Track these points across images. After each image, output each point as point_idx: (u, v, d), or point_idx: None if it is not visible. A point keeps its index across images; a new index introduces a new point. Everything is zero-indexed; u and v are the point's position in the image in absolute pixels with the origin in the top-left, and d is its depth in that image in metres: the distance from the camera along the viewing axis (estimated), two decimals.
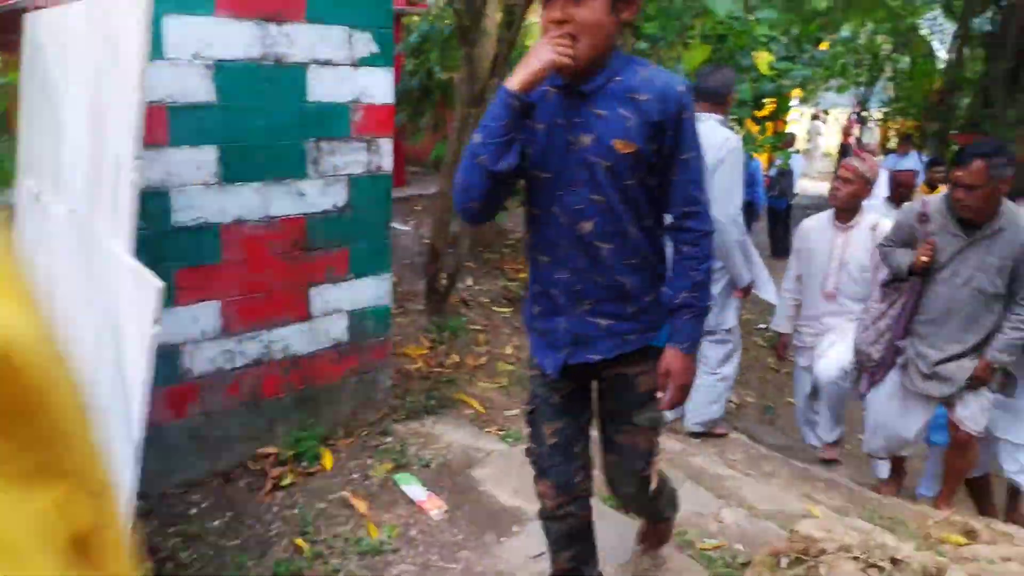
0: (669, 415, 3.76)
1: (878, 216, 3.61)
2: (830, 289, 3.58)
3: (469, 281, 5.55)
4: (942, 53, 14.47)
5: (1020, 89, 10.38)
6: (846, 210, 3.56)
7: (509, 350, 4.54)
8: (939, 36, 15.44)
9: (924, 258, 2.96)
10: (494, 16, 5.42)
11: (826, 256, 3.59)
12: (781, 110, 7.49)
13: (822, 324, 3.63)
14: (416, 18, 9.49)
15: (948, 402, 3.05)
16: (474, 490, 2.62)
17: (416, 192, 8.39)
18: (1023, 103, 10.23)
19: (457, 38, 5.18)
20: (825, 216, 3.69)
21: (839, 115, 19.42)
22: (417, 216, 7.45)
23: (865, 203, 3.64)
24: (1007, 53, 10.52)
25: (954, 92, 11.92)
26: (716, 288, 3.34)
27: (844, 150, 16.99)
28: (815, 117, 20.35)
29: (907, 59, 15.33)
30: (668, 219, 1.71)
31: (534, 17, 5.10)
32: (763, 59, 5.31)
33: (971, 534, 2.13)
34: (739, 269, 3.35)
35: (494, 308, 5.23)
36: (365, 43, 2.80)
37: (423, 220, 6.88)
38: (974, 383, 2.97)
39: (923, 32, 15.59)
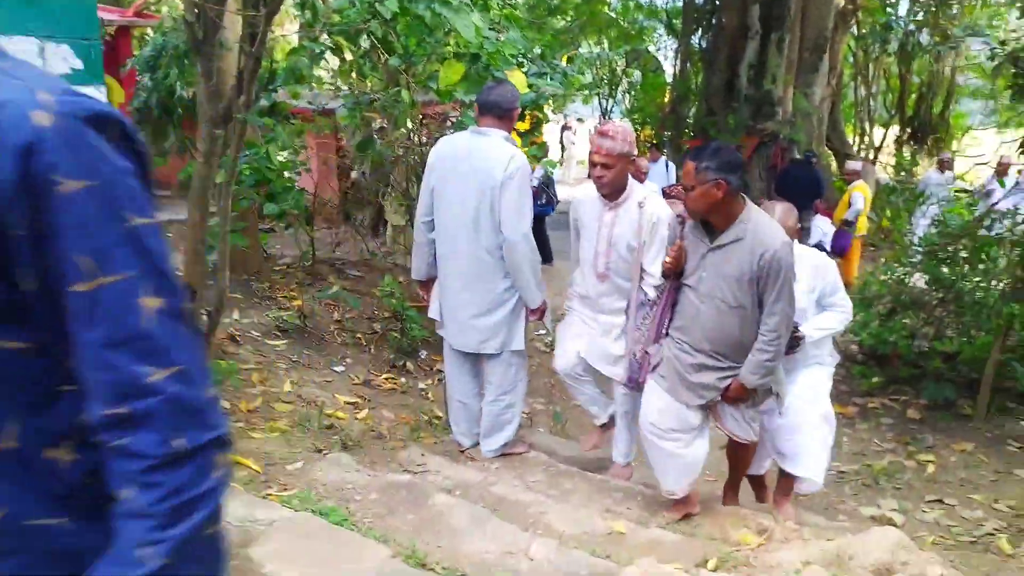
0: (466, 441, 3.61)
1: (647, 191, 3.42)
2: (602, 269, 3.37)
3: (236, 314, 5.01)
4: (669, 67, 16.06)
5: (735, 98, 11.74)
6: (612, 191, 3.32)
7: (288, 387, 4.13)
8: (664, 53, 17.17)
9: (667, 260, 2.91)
10: (235, 28, 4.95)
11: (595, 234, 3.38)
12: (539, 123, 7.74)
13: (598, 306, 3.47)
14: (151, 31, 8.54)
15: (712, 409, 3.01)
16: (254, 573, 2.25)
17: (167, 217, 7.51)
18: (739, 111, 11.60)
19: (192, 52, 4.65)
20: (595, 191, 3.43)
21: (587, 125, 20.86)
22: (170, 244, 6.64)
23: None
24: (720, 67, 11.87)
25: (682, 103, 13.21)
26: (506, 308, 3.23)
27: None
28: (566, 128, 21.67)
29: (639, 73, 16.82)
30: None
31: (279, 30, 4.72)
32: (518, 77, 5.38)
33: (764, 532, 2.21)
34: (531, 289, 3.22)
35: (267, 342, 4.76)
36: (64, 57, 2.31)
37: (177, 248, 6.16)
38: (729, 402, 2.94)
39: (651, 49, 17.24)
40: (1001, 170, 9.32)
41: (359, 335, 5.36)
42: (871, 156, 15.60)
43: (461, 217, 3.10)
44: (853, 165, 8.87)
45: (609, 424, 3.75)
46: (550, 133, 22.36)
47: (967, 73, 16.41)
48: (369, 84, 6.40)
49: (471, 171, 3.06)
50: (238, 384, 3.90)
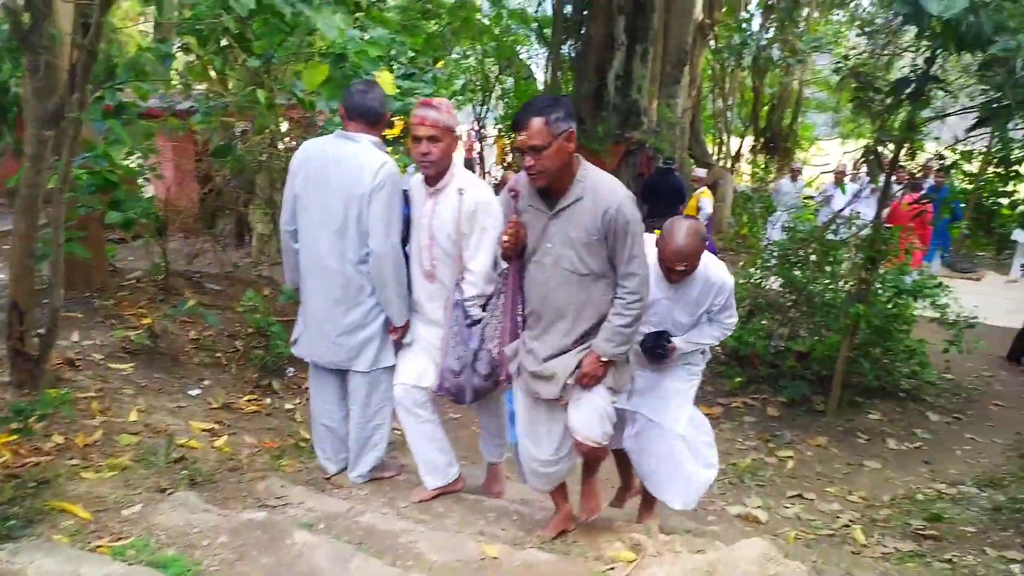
0: (332, 467, 3.39)
1: (469, 177, 3.01)
2: (428, 266, 3.00)
3: (76, 336, 4.54)
4: (540, 75, 16.28)
5: (603, 107, 12.04)
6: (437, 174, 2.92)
7: (133, 416, 3.75)
8: (536, 61, 17.39)
9: (506, 239, 2.63)
10: (68, 18, 4.48)
11: (418, 226, 3.00)
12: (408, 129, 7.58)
13: (425, 315, 3.07)
14: None
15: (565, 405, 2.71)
16: None
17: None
18: (607, 120, 11.90)
19: (17, 44, 4.16)
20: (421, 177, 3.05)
21: (461, 132, 20.83)
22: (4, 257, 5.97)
23: None
24: (589, 77, 12.14)
25: None
26: (376, 324, 3.06)
27: (469, 164, 18.25)
28: None
29: (511, 80, 16.93)
30: None
31: (118, 21, 4.32)
32: (386, 79, 5.20)
33: (638, 548, 2.18)
34: (395, 305, 3.01)
35: (111, 366, 4.32)
36: None
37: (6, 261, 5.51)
38: (585, 380, 2.63)
39: (523, 56, 17.41)
40: (839, 178, 10.06)
41: (219, 354, 5.00)
42: (729, 165, 16.49)
43: (326, 227, 2.89)
44: (699, 172, 9.30)
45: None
46: None
47: (813, 87, 17.68)
48: (231, 84, 6.02)
49: (337, 178, 2.86)
50: (74, 415, 3.50)
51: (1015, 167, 9.07)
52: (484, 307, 2.93)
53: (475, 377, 2.95)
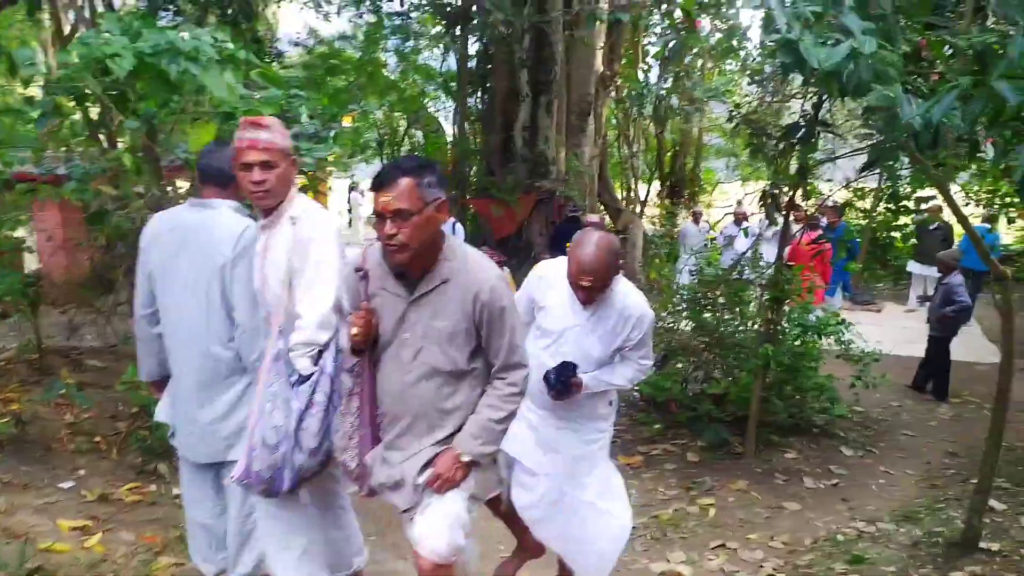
0: (210, 570, 2.98)
1: (305, 204, 2.50)
2: (264, 313, 2.50)
3: None
4: (449, 128, 16.35)
5: (512, 158, 12.12)
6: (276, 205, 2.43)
7: None
8: (444, 113, 17.49)
9: (355, 331, 2.17)
10: None
11: (252, 270, 2.49)
12: (313, 186, 7.35)
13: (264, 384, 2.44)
14: None
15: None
16: None
17: None
18: (516, 170, 11.97)
19: None
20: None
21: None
22: None
23: None
24: (497, 128, 12.23)
25: (463, 163, 13.43)
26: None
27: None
28: (352, 189, 21.32)
29: (421, 133, 16.97)
30: None
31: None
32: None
33: None
34: None
35: None
36: None
37: None
38: (439, 484, 2.16)
39: (431, 110, 17.50)
40: (738, 219, 10.35)
41: (98, 438, 4.57)
42: (638, 210, 16.85)
43: (187, 306, 2.59)
44: (592, 218, 9.40)
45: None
46: (337, 193, 21.89)
47: (712, 133, 18.41)
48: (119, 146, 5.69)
49: (196, 250, 2.58)
50: None
51: (904, 203, 9.61)
52: (317, 361, 2.38)
53: (298, 452, 2.33)
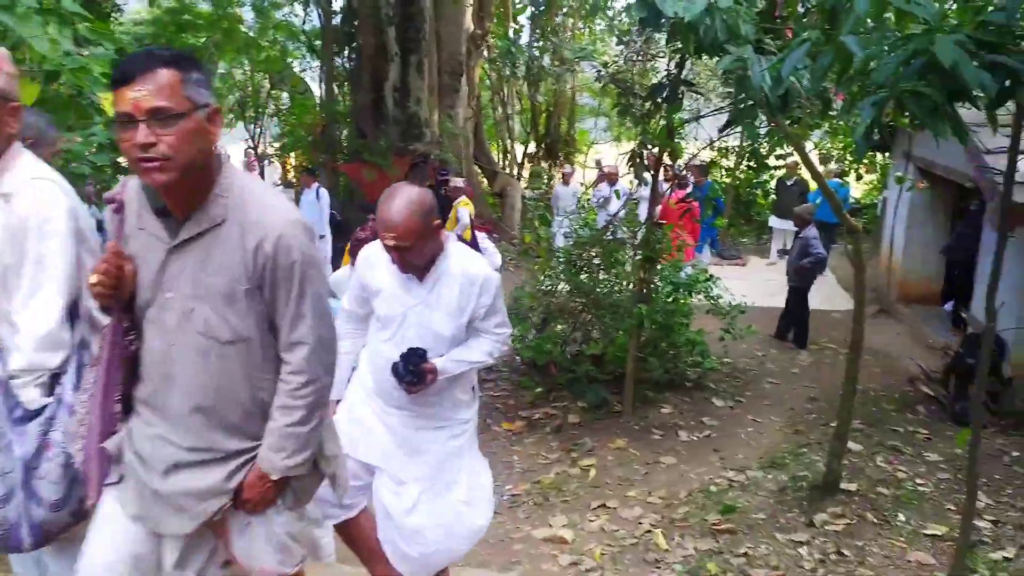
0: None
1: (28, 173, 1.88)
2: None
3: None
4: (317, 88, 15.58)
5: (383, 120, 11.69)
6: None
7: None
8: (311, 73, 16.65)
9: (94, 281, 1.58)
10: None
11: None
12: None
13: None
14: None
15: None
16: None
17: None
18: (388, 132, 11.56)
19: None
20: None
21: (238, 152, 19.51)
22: None
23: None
24: (366, 89, 11.74)
25: (332, 126, 12.83)
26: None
27: None
28: None
29: (286, 95, 16.09)
30: None
31: None
32: (109, 99, 4.49)
33: None
34: None
35: None
36: None
37: None
38: (250, 508, 1.72)
39: (297, 70, 16.60)
40: (611, 180, 10.46)
41: None
42: (515, 172, 16.82)
43: None
44: (457, 182, 9.27)
45: None
46: None
47: (585, 93, 18.55)
48: None
49: None
50: None
51: (764, 160, 10.00)
52: (51, 389, 1.84)
53: (36, 507, 1.80)
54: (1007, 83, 2.49)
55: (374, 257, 2.49)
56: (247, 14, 15.44)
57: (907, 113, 2.66)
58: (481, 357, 2.50)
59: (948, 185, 7.77)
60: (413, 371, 2.34)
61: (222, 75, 16.10)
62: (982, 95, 2.54)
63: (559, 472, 5.02)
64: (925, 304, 8.35)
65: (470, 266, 2.42)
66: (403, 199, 2.26)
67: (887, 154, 9.90)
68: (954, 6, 2.73)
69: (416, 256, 2.33)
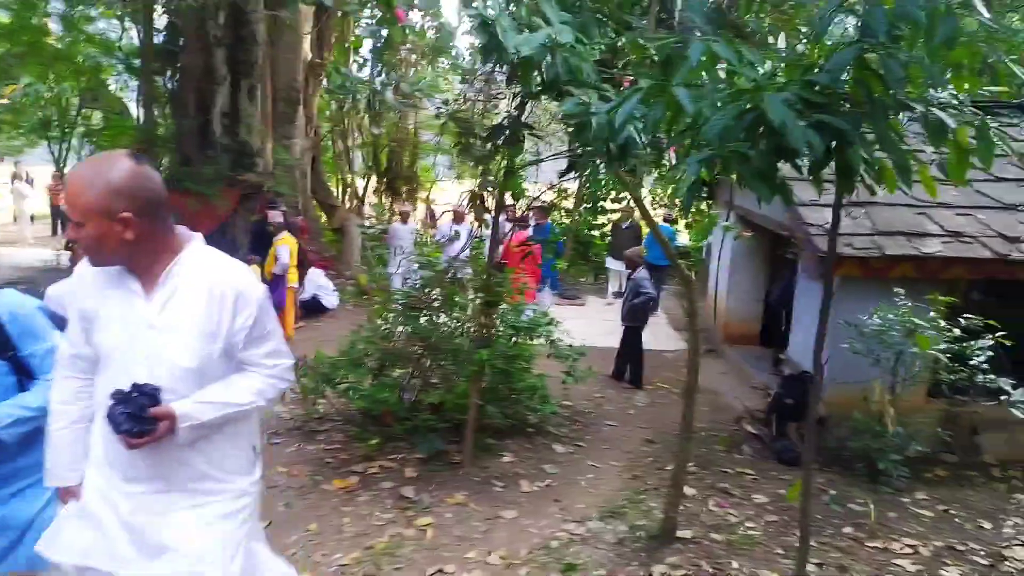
0: None
1: None
2: None
3: None
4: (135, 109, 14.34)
5: (210, 146, 10.88)
6: None
7: None
8: (130, 93, 15.32)
9: None
10: None
11: None
12: None
13: None
14: None
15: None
16: None
17: None
18: (217, 161, 10.76)
19: None
20: None
21: (44, 175, 17.52)
22: None
23: None
24: (191, 113, 10.90)
25: (151, 150, 11.78)
26: None
27: (57, 211, 15.33)
28: (16, 178, 17.86)
29: (99, 115, 14.70)
30: None
31: None
32: None
33: None
34: None
35: None
36: None
37: None
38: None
39: (113, 88, 15.24)
40: (458, 218, 10.34)
41: None
42: (356, 207, 16.32)
43: None
44: (275, 217, 8.86)
45: None
46: None
47: (430, 130, 18.46)
48: None
49: None
50: None
51: (601, 204, 10.32)
52: None
53: None
54: (833, 143, 2.54)
55: (88, 272, 1.89)
56: (55, 25, 14.02)
57: (732, 174, 2.65)
58: (248, 398, 1.92)
59: (766, 233, 8.29)
60: (135, 416, 1.72)
61: (25, 90, 14.49)
62: (808, 153, 2.57)
63: (393, 535, 4.63)
64: (747, 344, 8.83)
65: (219, 276, 1.87)
66: (95, 164, 1.78)
67: (710, 202, 10.51)
68: (782, 65, 2.78)
69: (94, 250, 1.78)
